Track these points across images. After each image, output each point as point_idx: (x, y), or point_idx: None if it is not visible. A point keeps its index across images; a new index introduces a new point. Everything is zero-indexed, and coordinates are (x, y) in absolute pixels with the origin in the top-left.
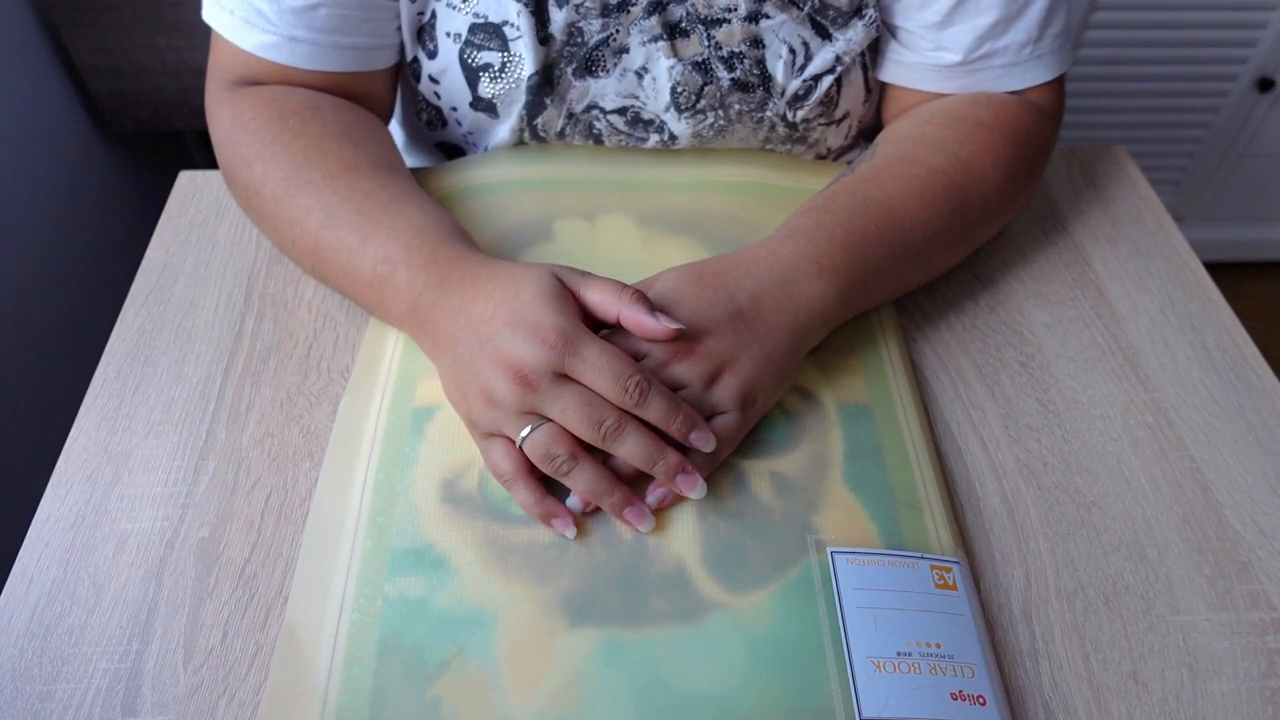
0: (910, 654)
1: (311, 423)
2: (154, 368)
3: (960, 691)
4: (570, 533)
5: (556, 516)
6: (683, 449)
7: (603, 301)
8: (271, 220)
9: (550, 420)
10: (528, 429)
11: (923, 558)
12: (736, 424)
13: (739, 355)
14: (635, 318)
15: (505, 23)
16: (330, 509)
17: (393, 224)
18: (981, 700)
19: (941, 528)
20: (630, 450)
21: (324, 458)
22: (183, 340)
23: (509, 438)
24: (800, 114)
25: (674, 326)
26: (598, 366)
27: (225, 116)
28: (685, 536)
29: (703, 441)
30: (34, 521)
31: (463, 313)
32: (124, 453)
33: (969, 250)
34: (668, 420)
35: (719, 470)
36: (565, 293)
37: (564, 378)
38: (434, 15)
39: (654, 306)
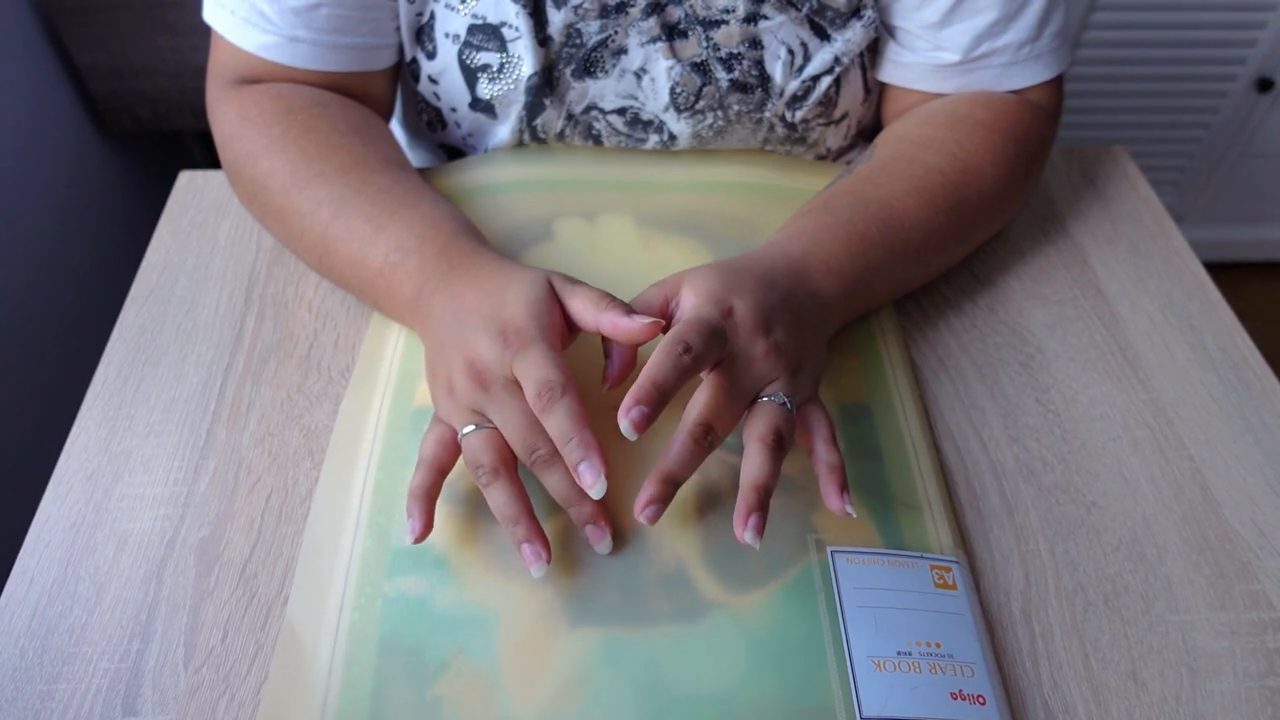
0: (910, 653)
1: (311, 423)
2: (154, 368)
3: (960, 691)
4: (409, 540)
5: (411, 517)
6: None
7: (582, 310)
8: (279, 214)
9: (492, 427)
10: (470, 428)
11: (922, 557)
12: (823, 408)
13: (805, 340)
14: (613, 321)
15: (504, 24)
16: (330, 509)
17: (408, 216)
18: (981, 700)
19: (941, 528)
20: (555, 485)
21: (324, 457)
22: (183, 340)
23: (453, 429)
24: (799, 114)
25: (647, 321)
26: (531, 366)
27: (229, 113)
28: (685, 536)
29: (590, 478)
30: (34, 521)
31: (456, 300)
32: (124, 453)
33: (968, 249)
34: (561, 437)
35: (719, 470)
36: (551, 299)
37: (516, 387)
38: (433, 16)
39: (631, 312)
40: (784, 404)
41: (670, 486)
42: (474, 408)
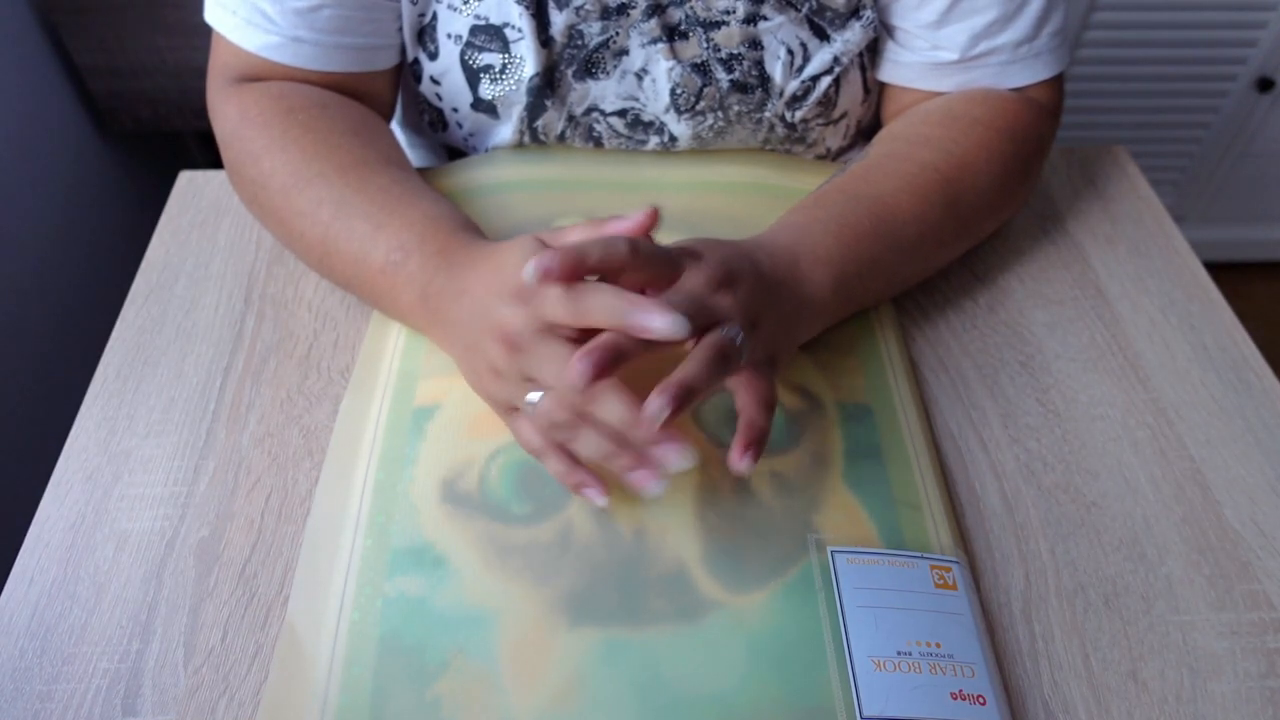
0: (910, 653)
1: (311, 423)
2: (154, 368)
3: (960, 691)
4: (602, 502)
5: (587, 486)
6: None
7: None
8: (279, 214)
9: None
10: (534, 397)
11: (922, 557)
12: (771, 376)
13: (766, 309)
14: (617, 225)
15: (506, 24)
16: (330, 509)
17: (407, 213)
18: (981, 700)
19: (941, 527)
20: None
21: (324, 457)
22: (183, 340)
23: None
24: (799, 114)
25: (646, 210)
26: (558, 296)
27: (231, 112)
28: (685, 536)
29: (669, 325)
30: (34, 521)
31: (465, 296)
32: (124, 453)
33: (966, 246)
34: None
35: (720, 470)
36: (534, 244)
37: (553, 334)
38: (435, 17)
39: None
40: (736, 337)
41: (611, 349)
42: (523, 375)
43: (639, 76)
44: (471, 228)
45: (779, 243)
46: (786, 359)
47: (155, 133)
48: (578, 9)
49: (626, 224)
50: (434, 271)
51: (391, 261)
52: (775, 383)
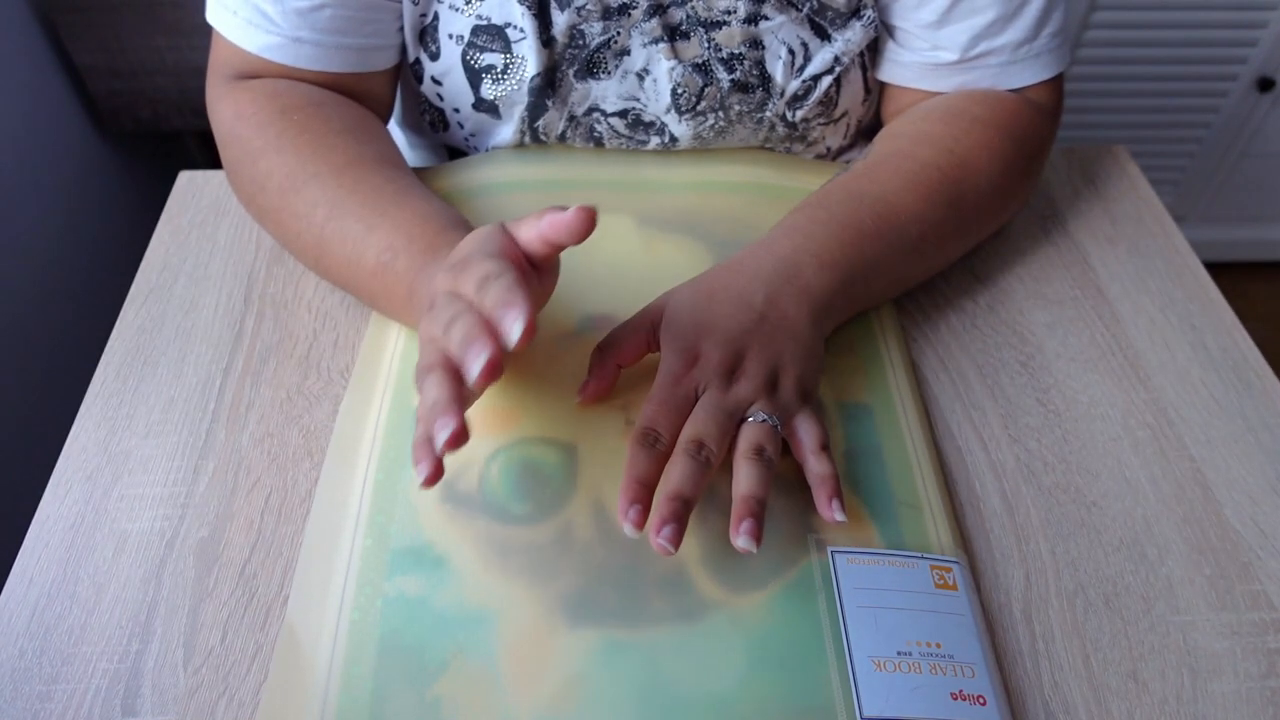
0: (910, 654)
1: (311, 423)
2: (154, 368)
3: (960, 691)
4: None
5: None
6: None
7: (526, 228)
8: (276, 215)
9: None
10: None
11: (923, 558)
12: (813, 418)
13: (781, 356)
14: (551, 218)
15: (508, 25)
16: (330, 509)
17: (398, 214)
18: (981, 700)
19: (941, 528)
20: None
21: (324, 458)
22: (182, 340)
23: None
24: (799, 114)
25: (584, 210)
26: (475, 267)
27: (228, 112)
28: (685, 536)
29: (513, 315)
30: (34, 521)
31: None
32: (124, 453)
33: (967, 246)
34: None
35: (720, 472)
36: (498, 233)
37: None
38: (436, 17)
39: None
40: (764, 420)
41: (679, 503)
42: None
43: (640, 76)
44: (462, 225)
45: (780, 254)
46: (816, 380)
47: (155, 133)
48: (579, 9)
49: (564, 217)
50: (420, 269)
51: (382, 263)
52: (819, 417)
